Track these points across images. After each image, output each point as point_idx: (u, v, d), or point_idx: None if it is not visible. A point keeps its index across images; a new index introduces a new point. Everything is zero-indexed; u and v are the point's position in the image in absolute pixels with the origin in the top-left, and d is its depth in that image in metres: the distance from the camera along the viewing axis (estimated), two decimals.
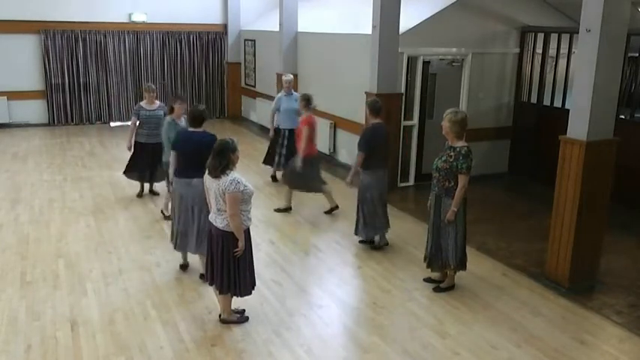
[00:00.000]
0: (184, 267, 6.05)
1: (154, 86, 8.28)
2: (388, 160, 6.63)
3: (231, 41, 14.74)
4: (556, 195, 5.74)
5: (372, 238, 6.72)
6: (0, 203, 8.01)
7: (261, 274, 5.82)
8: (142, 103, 8.08)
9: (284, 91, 8.95)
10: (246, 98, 14.86)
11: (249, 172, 9.35)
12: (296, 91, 9.44)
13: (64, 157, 10.69)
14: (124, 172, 8.32)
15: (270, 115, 9.11)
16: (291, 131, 8.45)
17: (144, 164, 8.09)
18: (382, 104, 6.55)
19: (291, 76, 9.16)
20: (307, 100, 7.58)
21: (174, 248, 5.88)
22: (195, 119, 5.61)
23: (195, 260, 5.95)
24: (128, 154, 8.25)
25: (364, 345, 4.74)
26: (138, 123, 7.97)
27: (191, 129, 5.67)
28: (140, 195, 8.38)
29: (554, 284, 5.77)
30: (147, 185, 8.49)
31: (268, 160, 9.28)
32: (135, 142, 8.10)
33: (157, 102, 8.16)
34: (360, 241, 6.76)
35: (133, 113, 8.17)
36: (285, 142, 8.69)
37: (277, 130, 8.89)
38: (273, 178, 9.35)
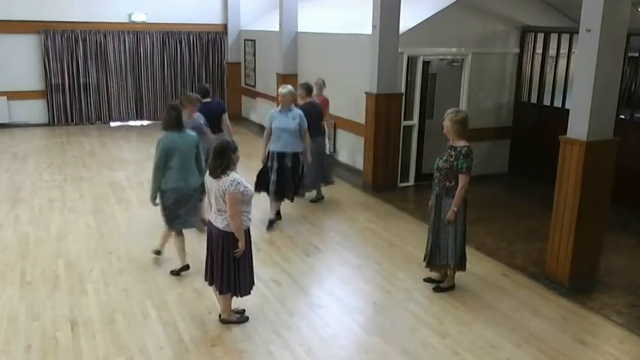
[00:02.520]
0: None
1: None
2: (319, 129, 8.02)
3: (231, 41, 14.74)
4: (556, 195, 5.74)
5: (307, 192, 8.08)
6: (0, 203, 8.02)
7: (261, 274, 5.83)
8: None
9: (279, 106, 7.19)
10: (246, 98, 14.87)
11: (249, 172, 9.31)
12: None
13: (64, 157, 10.69)
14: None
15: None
16: (281, 155, 7.12)
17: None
18: (312, 85, 8.10)
19: (285, 89, 7.15)
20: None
21: None
22: (205, 93, 7.67)
23: (196, 259, 5.95)
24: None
25: (364, 345, 4.75)
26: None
27: (204, 100, 7.39)
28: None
29: (554, 284, 5.77)
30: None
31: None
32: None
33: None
34: (310, 201, 8.22)
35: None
36: (275, 166, 7.16)
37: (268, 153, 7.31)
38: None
